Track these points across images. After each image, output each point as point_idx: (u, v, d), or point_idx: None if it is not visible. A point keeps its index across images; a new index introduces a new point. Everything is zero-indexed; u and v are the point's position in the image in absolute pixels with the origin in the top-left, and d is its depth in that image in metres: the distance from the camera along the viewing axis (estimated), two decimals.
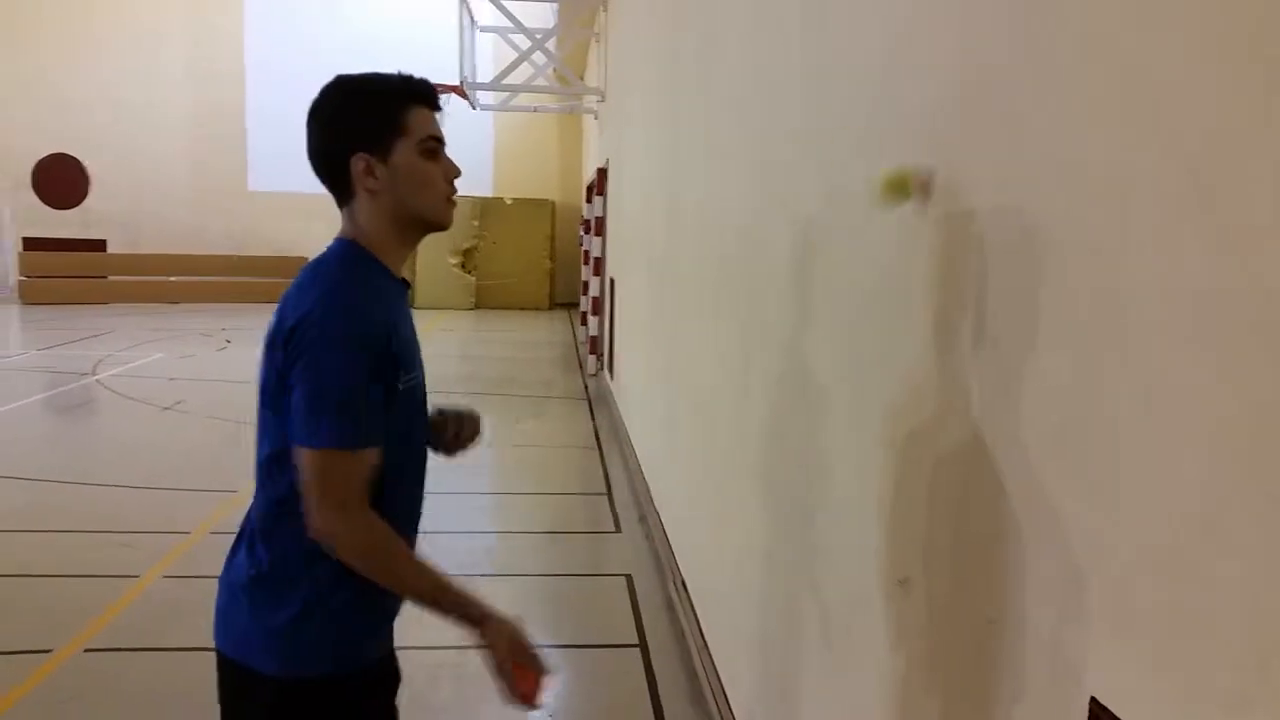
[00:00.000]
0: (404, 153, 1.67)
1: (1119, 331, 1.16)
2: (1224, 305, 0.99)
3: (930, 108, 1.71)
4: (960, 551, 1.58)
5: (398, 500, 1.73)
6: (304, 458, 1.57)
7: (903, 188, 1.68)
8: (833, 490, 2.25)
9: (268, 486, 1.67)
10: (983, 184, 1.52)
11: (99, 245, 20.65)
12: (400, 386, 1.66)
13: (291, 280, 1.71)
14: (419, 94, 1.70)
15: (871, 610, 1.95)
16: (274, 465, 1.65)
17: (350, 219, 1.71)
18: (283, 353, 1.59)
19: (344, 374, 1.56)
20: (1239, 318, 0.97)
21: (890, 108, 1.91)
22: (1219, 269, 1.00)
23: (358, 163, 1.65)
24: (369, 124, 1.66)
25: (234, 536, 1.77)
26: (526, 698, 1.65)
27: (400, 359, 1.65)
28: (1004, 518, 1.42)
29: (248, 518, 1.73)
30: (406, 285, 1.80)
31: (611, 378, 9.91)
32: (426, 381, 1.83)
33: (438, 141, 1.71)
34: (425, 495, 1.85)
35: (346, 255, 1.69)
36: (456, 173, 1.74)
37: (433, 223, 1.73)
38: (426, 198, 1.70)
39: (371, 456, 1.60)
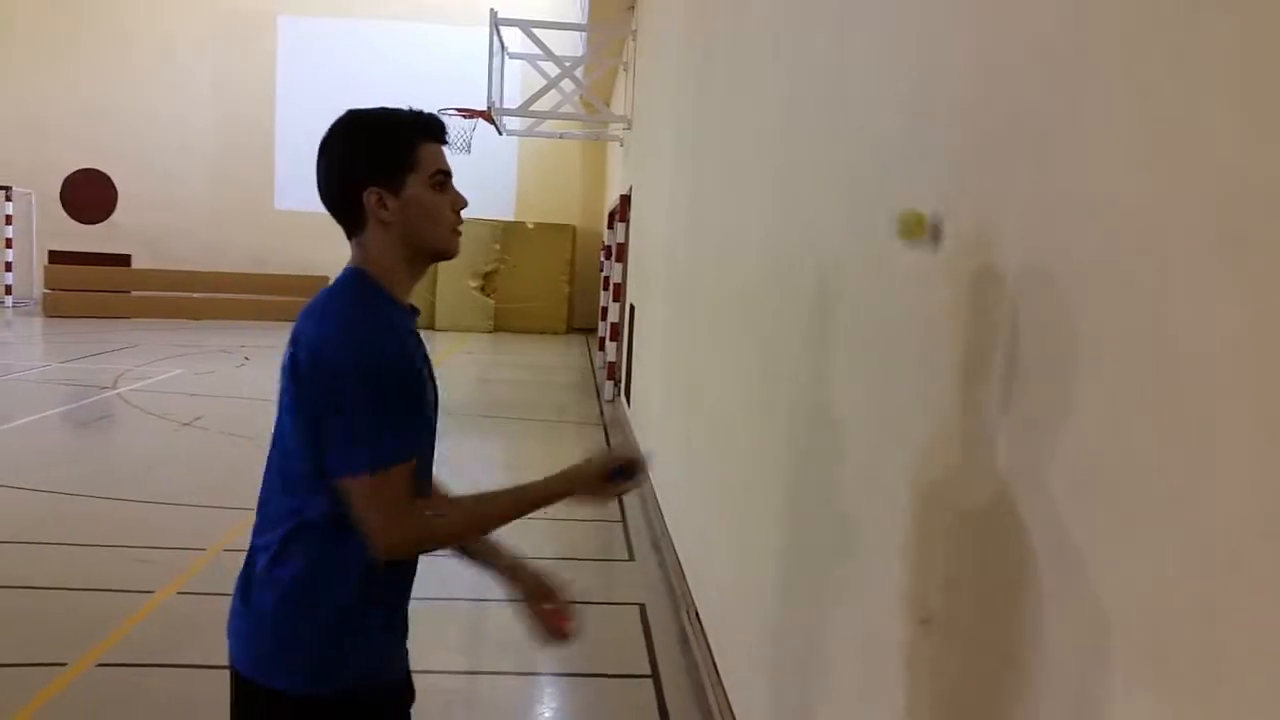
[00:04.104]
0: (415, 186, 1.72)
1: (1153, 372, 1.15)
2: (1261, 345, 0.98)
3: (958, 145, 1.72)
4: (983, 592, 1.57)
5: None
6: (351, 486, 1.62)
7: (917, 227, 1.76)
8: (855, 527, 2.23)
9: (285, 511, 1.70)
10: (1011, 222, 1.51)
11: (124, 260, 20.86)
12: (416, 406, 1.72)
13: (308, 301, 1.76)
14: (428, 129, 1.76)
15: (892, 650, 1.92)
16: (293, 490, 1.69)
17: (361, 249, 1.76)
18: (310, 386, 1.64)
19: (374, 399, 1.62)
20: (1276, 358, 0.96)
21: (918, 145, 1.92)
22: (1255, 309, 0.99)
23: (370, 196, 1.70)
24: (382, 160, 1.71)
25: (245, 556, 1.78)
26: (560, 632, 1.90)
27: (416, 378, 1.71)
28: (1030, 559, 1.40)
29: (261, 540, 1.74)
30: (416, 311, 1.83)
31: (628, 404, 9.91)
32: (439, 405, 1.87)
33: (445, 175, 1.77)
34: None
35: (360, 286, 1.73)
36: (463, 203, 1.79)
37: (441, 252, 1.78)
38: (436, 229, 1.76)
39: (411, 467, 1.66)
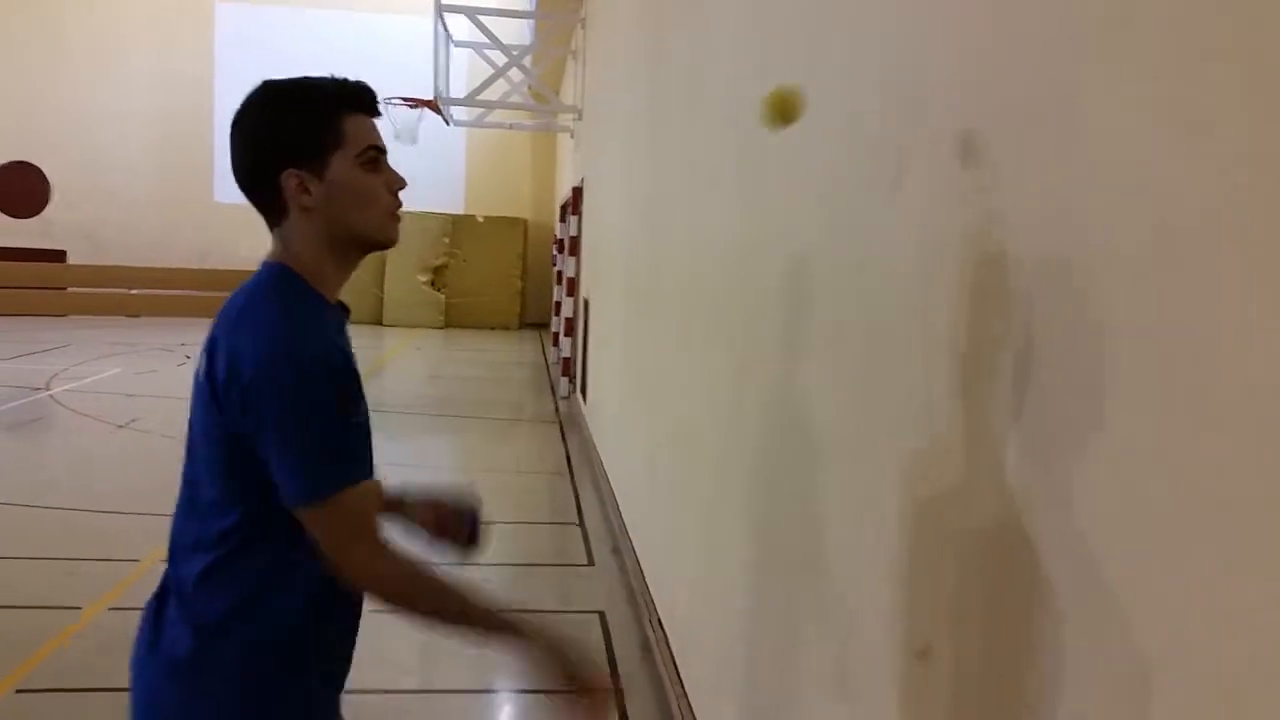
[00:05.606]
0: (342, 166, 1.49)
1: (1194, 377, 1.00)
2: None
3: (957, 122, 1.55)
4: (994, 624, 1.40)
5: None
6: (313, 514, 1.42)
7: (784, 109, 1.59)
8: (835, 543, 2.06)
9: (196, 544, 1.49)
10: (1026, 208, 1.35)
11: (59, 256, 20.18)
12: (360, 416, 1.51)
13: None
14: (355, 100, 1.52)
15: (881, 683, 1.76)
16: (203, 520, 1.49)
17: (282, 241, 1.53)
18: (236, 408, 1.41)
19: (320, 414, 1.41)
20: None
21: (910, 126, 1.75)
22: None
23: (289, 179, 1.48)
24: (301, 136, 1.48)
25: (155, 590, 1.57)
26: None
27: (357, 387, 1.49)
28: (1050, 588, 1.24)
29: (172, 576, 1.53)
30: (346, 310, 1.62)
31: (584, 401, 9.71)
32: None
33: (379, 151, 1.53)
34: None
35: (280, 286, 1.50)
36: (400, 184, 1.56)
37: (377, 241, 1.55)
38: (369, 214, 1.52)
39: (374, 486, 1.48)
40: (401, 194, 1.56)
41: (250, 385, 1.40)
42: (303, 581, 1.50)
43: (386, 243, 1.56)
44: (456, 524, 1.76)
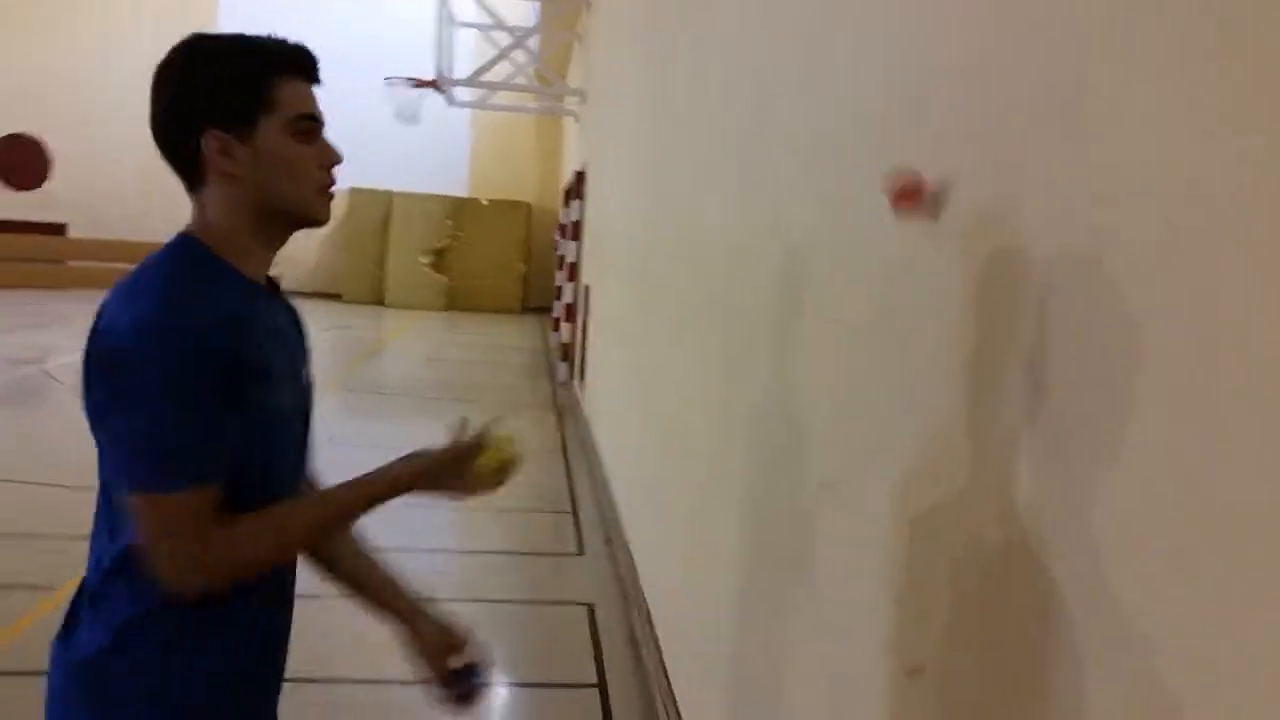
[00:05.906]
0: (270, 133, 1.37)
1: (1226, 380, 0.89)
2: None
3: (965, 112, 1.43)
4: (998, 646, 1.29)
5: None
6: (132, 503, 1.30)
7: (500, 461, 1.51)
8: (824, 549, 1.95)
9: (101, 534, 1.37)
10: (1030, 208, 1.24)
11: (58, 229, 20.06)
12: (254, 406, 1.34)
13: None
14: (292, 62, 1.40)
15: (868, 699, 1.65)
16: (107, 513, 1.36)
17: (199, 209, 1.41)
18: (100, 383, 1.30)
19: (167, 402, 1.26)
20: None
21: (912, 125, 1.64)
22: None
23: (210, 141, 1.35)
24: (228, 96, 1.36)
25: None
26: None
27: (253, 373, 1.34)
28: (1059, 615, 1.13)
29: (86, 575, 1.40)
30: (275, 287, 1.49)
31: (582, 387, 9.61)
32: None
33: (314, 121, 1.41)
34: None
35: (178, 256, 1.38)
36: (335, 159, 1.43)
37: (304, 217, 1.43)
38: (296, 187, 1.40)
39: (209, 492, 1.29)
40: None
41: (120, 357, 1.28)
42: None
43: (313, 220, 1.44)
44: (458, 679, 1.58)
